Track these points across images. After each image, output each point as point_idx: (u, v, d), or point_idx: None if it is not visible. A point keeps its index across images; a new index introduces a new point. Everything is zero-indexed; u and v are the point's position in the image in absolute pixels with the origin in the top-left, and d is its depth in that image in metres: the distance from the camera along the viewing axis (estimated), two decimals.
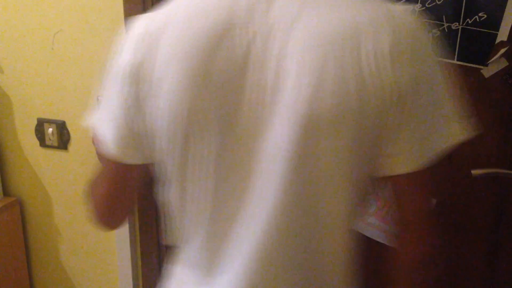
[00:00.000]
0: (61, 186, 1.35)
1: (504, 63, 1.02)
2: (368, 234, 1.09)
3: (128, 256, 1.30)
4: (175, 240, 0.74)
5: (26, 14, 1.22)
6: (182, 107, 0.60)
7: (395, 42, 0.56)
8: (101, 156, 0.70)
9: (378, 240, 1.08)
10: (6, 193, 1.41)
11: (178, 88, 0.59)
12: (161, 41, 0.60)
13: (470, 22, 1.03)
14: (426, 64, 0.59)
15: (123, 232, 1.28)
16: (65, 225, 1.39)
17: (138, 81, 0.62)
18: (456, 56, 1.05)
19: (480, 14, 1.02)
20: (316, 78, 0.56)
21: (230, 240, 0.65)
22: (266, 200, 0.61)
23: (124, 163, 0.67)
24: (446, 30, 1.04)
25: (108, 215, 0.74)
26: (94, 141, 0.85)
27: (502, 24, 1.02)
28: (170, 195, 0.69)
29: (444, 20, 1.04)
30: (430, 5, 1.03)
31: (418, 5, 1.04)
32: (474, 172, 0.76)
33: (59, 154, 1.32)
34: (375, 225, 1.11)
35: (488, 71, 1.03)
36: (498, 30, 1.01)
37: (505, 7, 1.00)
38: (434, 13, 1.03)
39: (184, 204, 0.67)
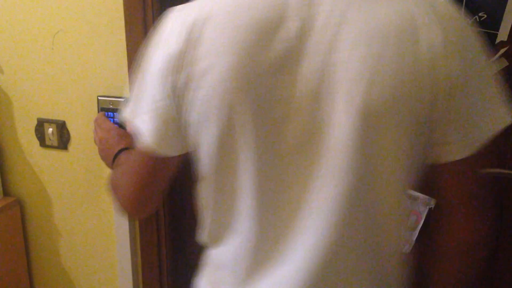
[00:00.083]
0: (61, 186, 1.35)
1: (504, 63, 1.02)
2: None
3: (128, 256, 1.30)
4: (209, 238, 0.75)
5: (26, 14, 1.22)
6: (230, 98, 0.59)
7: (446, 34, 0.58)
8: (135, 147, 0.71)
9: None
10: (6, 193, 1.41)
11: (226, 79, 0.59)
12: (204, 32, 0.60)
13: (470, 22, 1.03)
14: (473, 53, 0.60)
15: (123, 232, 1.28)
16: (65, 225, 1.39)
17: (179, 72, 0.62)
18: None
19: (480, 14, 1.02)
20: (371, 70, 0.57)
21: (286, 233, 0.65)
22: (330, 191, 0.61)
23: (158, 155, 0.67)
24: None
25: (137, 204, 0.74)
26: (132, 133, 0.86)
27: (502, 24, 1.02)
28: (206, 191, 0.69)
29: None
30: None
31: None
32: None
33: (59, 154, 1.32)
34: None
35: None
36: (498, 30, 1.01)
37: (505, 7, 1.00)
38: None
39: (222, 199, 0.67)
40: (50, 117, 1.29)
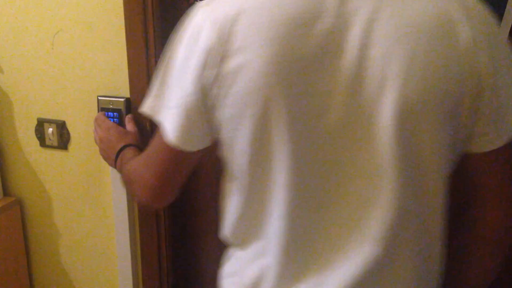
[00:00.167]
0: (61, 186, 1.35)
1: None
2: None
3: (128, 256, 1.30)
4: (233, 237, 0.75)
5: (26, 14, 1.22)
6: (267, 93, 0.59)
7: (475, 30, 0.60)
8: (158, 140, 0.71)
9: None
10: (6, 193, 1.41)
11: (263, 75, 0.59)
12: (236, 28, 0.60)
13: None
14: (500, 49, 0.62)
15: (123, 232, 1.28)
16: (65, 225, 1.39)
17: (209, 68, 0.61)
18: None
19: None
20: (406, 66, 0.58)
21: (324, 233, 0.66)
22: (382, 185, 0.62)
23: (182, 150, 0.68)
24: None
25: (158, 195, 0.75)
26: (132, 131, 0.86)
27: (502, 23, 1.02)
28: (235, 188, 0.69)
29: None
30: None
31: None
32: None
33: (59, 154, 1.32)
34: None
35: None
36: None
37: (505, 7, 1.00)
38: None
39: (253, 196, 0.67)
40: (50, 117, 1.29)
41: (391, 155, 0.61)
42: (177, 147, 0.68)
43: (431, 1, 0.60)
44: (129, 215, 1.26)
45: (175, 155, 0.69)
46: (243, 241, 0.73)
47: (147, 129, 1.16)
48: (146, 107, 0.71)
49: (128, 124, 1.13)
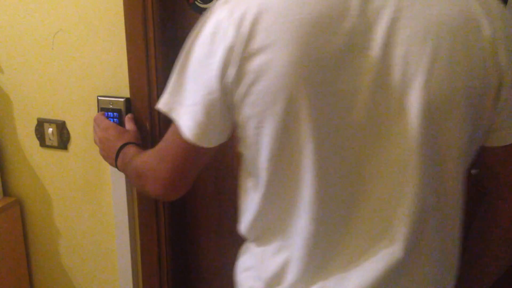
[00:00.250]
0: (61, 186, 1.35)
1: None
2: None
3: (128, 256, 1.30)
4: (252, 233, 0.75)
5: (26, 14, 1.22)
6: (292, 92, 0.60)
7: (495, 26, 0.61)
8: (173, 135, 0.71)
9: None
10: (6, 193, 1.41)
11: (288, 74, 0.59)
12: (258, 26, 0.60)
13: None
14: None
15: (123, 232, 1.28)
16: (65, 225, 1.39)
17: (230, 66, 0.61)
18: None
19: None
20: (428, 65, 0.59)
21: (349, 230, 0.66)
22: (406, 182, 0.63)
23: (198, 146, 0.68)
24: None
25: (172, 188, 0.76)
26: (132, 129, 0.86)
27: None
28: (256, 182, 0.70)
29: None
30: None
31: None
32: (474, 172, 0.80)
33: (59, 154, 1.32)
34: None
35: None
36: None
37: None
38: None
39: (277, 194, 0.68)
40: (50, 117, 1.29)
41: (416, 152, 0.62)
42: (194, 144, 0.68)
43: (451, 0, 0.61)
44: (129, 215, 1.26)
45: (190, 151, 0.70)
46: (262, 236, 0.74)
47: (147, 128, 1.16)
48: (162, 104, 0.71)
49: (127, 123, 1.13)
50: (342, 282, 0.67)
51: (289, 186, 0.66)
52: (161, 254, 1.29)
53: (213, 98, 0.64)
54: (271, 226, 0.72)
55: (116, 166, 1.00)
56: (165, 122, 1.19)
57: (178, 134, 0.69)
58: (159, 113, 1.16)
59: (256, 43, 0.60)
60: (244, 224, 0.76)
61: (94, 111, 1.21)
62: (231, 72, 0.61)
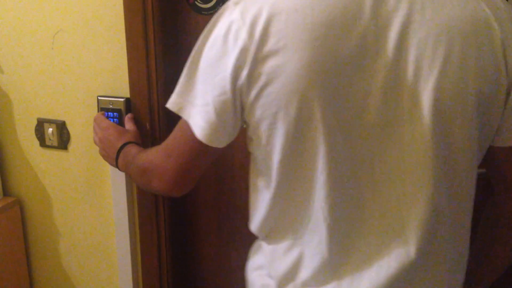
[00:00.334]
0: (61, 186, 1.35)
1: None
2: None
3: (128, 256, 1.30)
4: (262, 231, 0.76)
5: (26, 14, 1.22)
6: (306, 94, 0.60)
7: (504, 29, 0.62)
8: (180, 133, 0.72)
9: None
10: (6, 193, 1.41)
11: (302, 76, 0.59)
12: (271, 28, 0.60)
13: None
14: None
15: (123, 232, 1.28)
16: (65, 225, 1.39)
17: (242, 68, 0.62)
18: None
19: None
20: (439, 69, 0.60)
21: (364, 229, 0.67)
22: (419, 183, 0.64)
23: (207, 146, 0.68)
24: None
25: (179, 185, 0.76)
26: (132, 129, 0.86)
27: None
28: (267, 182, 0.70)
29: None
30: None
31: None
32: (480, 171, 0.82)
33: (59, 154, 1.32)
34: None
35: None
36: None
37: None
38: None
39: (289, 194, 0.68)
40: (50, 117, 1.29)
41: (428, 154, 0.62)
42: (202, 143, 0.68)
43: (462, 3, 0.61)
44: (129, 215, 1.26)
45: (199, 149, 0.70)
46: (274, 234, 0.74)
47: (147, 128, 1.16)
48: (171, 104, 0.71)
49: (127, 123, 1.13)
50: (355, 282, 0.68)
51: (300, 186, 0.67)
52: (161, 254, 1.29)
53: (225, 99, 0.64)
54: (283, 225, 0.72)
55: (116, 166, 1.00)
56: (165, 122, 1.19)
57: (186, 132, 0.69)
58: (159, 113, 1.16)
59: (269, 46, 0.60)
60: (255, 222, 0.76)
61: (94, 111, 1.21)
62: (244, 74, 0.61)
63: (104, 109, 1.17)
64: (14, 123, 1.34)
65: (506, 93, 0.64)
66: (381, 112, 0.62)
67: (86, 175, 1.30)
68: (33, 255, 1.46)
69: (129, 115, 1.15)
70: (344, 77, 0.60)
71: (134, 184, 1.25)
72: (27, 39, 1.24)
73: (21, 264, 1.43)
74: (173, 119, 0.75)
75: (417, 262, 0.66)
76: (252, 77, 0.61)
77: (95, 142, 1.12)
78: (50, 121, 1.29)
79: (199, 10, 1.16)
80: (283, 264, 0.73)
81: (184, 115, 0.69)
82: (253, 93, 0.62)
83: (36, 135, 1.32)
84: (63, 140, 1.29)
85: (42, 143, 1.32)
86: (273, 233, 0.75)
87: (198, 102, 0.67)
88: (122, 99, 1.16)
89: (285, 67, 0.60)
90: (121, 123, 1.16)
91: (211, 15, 1.15)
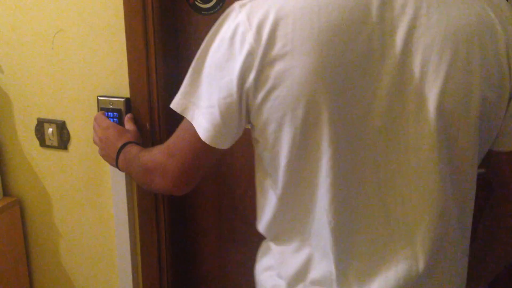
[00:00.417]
0: (61, 186, 1.35)
1: None
2: None
3: (128, 256, 1.30)
4: (269, 232, 0.76)
5: (26, 14, 1.22)
6: (312, 98, 0.60)
7: (508, 32, 0.62)
8: (184, 132, 0.72)
9: None
10: (6, 193, 1.41)
11: (308, 81, 0.60)
12: (278, 32, 0.60)
13: None
14: None
15: (123, 232, 1.28)
16: (65, 225, 1.39)
17: (251, 71, 0.62)
18: None
19: None
20: (444, 74, 0.60)
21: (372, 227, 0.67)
22: (425, 187, 0.64)
23: (211, 147, 0.69)
24: None
25: (182, 184, 0.77)
26: (132, 129, 0.86)
27: None
28: (274, 183, 0.70)
29: None
30: None
31: None
32: (479, 171, 0.83)
33: (59, 154, 1.32)
34: None
35: None
36: None
37: None
38: None
39: (293, 194, 0.69)
40: (50, 117, 1.29)
41: (433, 158, 0.63)
42: (206, 144, 0.69)
43: (468, 7, 0.61)
44: (129, 215, 1.26)
45: (202, 150, 0.71)
46: (282, 235, 0.75)
47: (147, 128, 1.16)
48: (175, 104, 0.71)
49: (127, 123, 1.13)
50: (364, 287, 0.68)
51: (306, 189, 0.67)
52: (161, 254, 1.29)
53: (231, 102, 0.64)
54: (290, 226, 0.73)
55: (116, 166, 1.00)
56: (165, 122, 1.19)
57: (190, 133, 0.69)
58: (159, 113, 1.16)
59: (276, 50, 0.60)
60: (262, 223, 0.77)
61: (94, 111, 1.21)
62: (251, 77, 0.62)
63: (104, 109, 1.17)
64: (14, 123, 1.34)
65: (509, 98, 0.64)
66: (386, 116, 0.62)
67: (86, 175, 1.30)
68: (33, 255, 1.46)
69: (128, 115, 1.15)
70: (350, 81, 0.60)
71: (134, 184, 1.25)
72: (27, 39, 1.24)
73: (21, 264, 1.43)
74: (173, 119, 0.75)
75: (425, 272, 0.66)
76: (259, 80, 0.61)
77: (94, 142, 1.12)
78: (50, 121, 1.29)
79: (199, 10, 1.16)
80: (293, 264, 0.73)
81: (188, 116, 0.70)
82: (260, 96, 0.62)
83: (36, 135, 1.32)
84: (63, 140, 1.29)
85: (42, 143, 1.32)
86: (281, 234, 0.75)
87: (203, 104, 0.67)
88: (122, 99, 1.16)
89: (292, 71, 0.60)
90: (121, 123, 1.16)
91: (211, 15, 1.16)
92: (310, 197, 0.67)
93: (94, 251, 1.37)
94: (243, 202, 1.27)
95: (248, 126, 0.71)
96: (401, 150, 0.63)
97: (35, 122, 1.31)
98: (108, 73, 1.18)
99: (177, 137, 0.75)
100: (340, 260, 0.68)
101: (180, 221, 1.35)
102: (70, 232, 1.39)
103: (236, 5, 0.65)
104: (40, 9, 1.20)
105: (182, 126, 0.73)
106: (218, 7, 1.14)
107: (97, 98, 1.19)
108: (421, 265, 0.66)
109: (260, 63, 0.61)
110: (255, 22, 0.61)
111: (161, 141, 1.16)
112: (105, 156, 1.06)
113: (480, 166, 0.72)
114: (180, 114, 0.71)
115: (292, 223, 0.72)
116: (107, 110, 1.17)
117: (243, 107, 0.65)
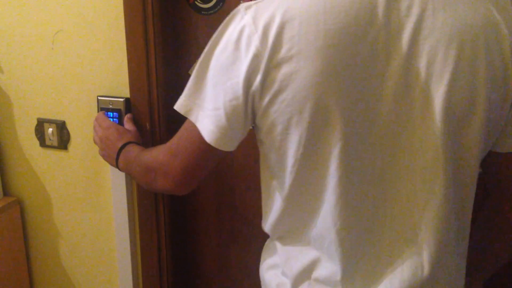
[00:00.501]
0: (61, 186, 1.35)
1: None
2: None
3: (128, 256, 1.30)
4: (274, 231, 0.76)
5: (26, 14, 1.22)
6: (319, 101, 0.60)
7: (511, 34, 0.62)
8: (188, 133, 0.72)
9: None
10: (6, 193, 1.41)
11: (315, 84, 0.60)
12: (286, 35, 0.60)
13: None
14: None
15: (123, 232, 1.28)
16: (65, 225, 1.39)
17: (257, 74, 0.62)
18: None
19: None
20: (450, 75, 0.60)
21: (382, 225, 0.67)
22: (431, 188, 0.64)
23: (215, 149, 0.69)
24: None
25: (184, 184, 0.77)
26: (132, 129, 0.84)
27: None
28: (280, 183, 0.70)
29: None
30: None
31: None
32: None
33: (59, 154, 1.32)
34: None
35: None
36: None
37: None
38: None
39: (300, 194, 0.69)
40: (50, 117, 1.29)
41: (439, 158, 0.63)
42: (210, 146, 0.69)
43: (473, 8, 0.61)
44: (129, 215, 1.26)
45: (206, 151, 0.71)
46: (287, 235, 0.75)
47: (147, 128, 1.16)
48: (179, 106, 0.71)
49: (126, 123, 1.13)
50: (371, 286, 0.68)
51: (312, 190, 0.67)
52: (161, 254, 1.29)
53: (237, 104, 0.64)
54: (296, 226, 0.73)
55: (116, 166, 1.00)
56: (165, 122, 1.19)
57: (194, 134, 0.69)
58: (159, 113, 1.16)
59: (282, 53, 0.60)
60: (267, 223, 0.77)
61: (94, 111, 1.21)
62: (258, 80, 0.62)
63: (104, 109, 1.17)
64: (14, 123, 1.34)
65: (509, 102, 0.65)
66: (392, 117, 0.62)
67: (86, 175, 1.30)
68: (33, 255, 1.46)
69: (128, 115, 1.15)
70: (357, 83, 0.60)
71: (134, 184, 1.25)
72: (27, 39, 1.24)
73: (21, 264, 1.43)
74: (173, 119, 0.75)
75: (430, 275, 0.66)
76: (265, 83, 0.61)
77: (95, 142, 1.12)
78: (50, 121, 1.29)
79: (199, 10, 1.16)
80: (298, 263, 0.73)
81: (192, 118, 0.69)
82: (266, 99, 0.62)
83: (36, 135, 1.32)
84: (63, 140, 1.29)
85: (42, 143, 1.32)
86: (286, 234, 0.75)
87: (208, 106, 0.67)
88: (122, 99, 1.16)
89: (298, 74, 0.60)
90: (121, 123, 1.16)
91: (211, 15, 1.16)
92: (316, 198, 0.68)
93: (94, 251, 1.37)
94: (243, 202, 1.27)
95: (251, 127, 0.71)
96: (407, 151, 0.64)
97: (35, 122, 1.31)
98: (108, 73, 1.18)
99: (180, 137, 0.75)
100: (345, 261, 0.68)
101: (180, 221, 1.35)
102: (70, 232, 1.39)
103: (241, 7, 0.64)
104: (40, 9, 1.20)
105: (185, 126, 0.73)
106: (218, 7, 1.14)
107: (97, 98, 1.19)
108: (426, 267, 0.66)
109: (266, 66, 0.61)
110: (261, 25, 0.61)
111: (161, 141, 1.16)
112: (105, 156, 1.06)
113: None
114: (184, 115, 0.71)
115: (298, 224, 0.72)
116: (107, 110, 1.17)
117: (248, 109, 0.65)
